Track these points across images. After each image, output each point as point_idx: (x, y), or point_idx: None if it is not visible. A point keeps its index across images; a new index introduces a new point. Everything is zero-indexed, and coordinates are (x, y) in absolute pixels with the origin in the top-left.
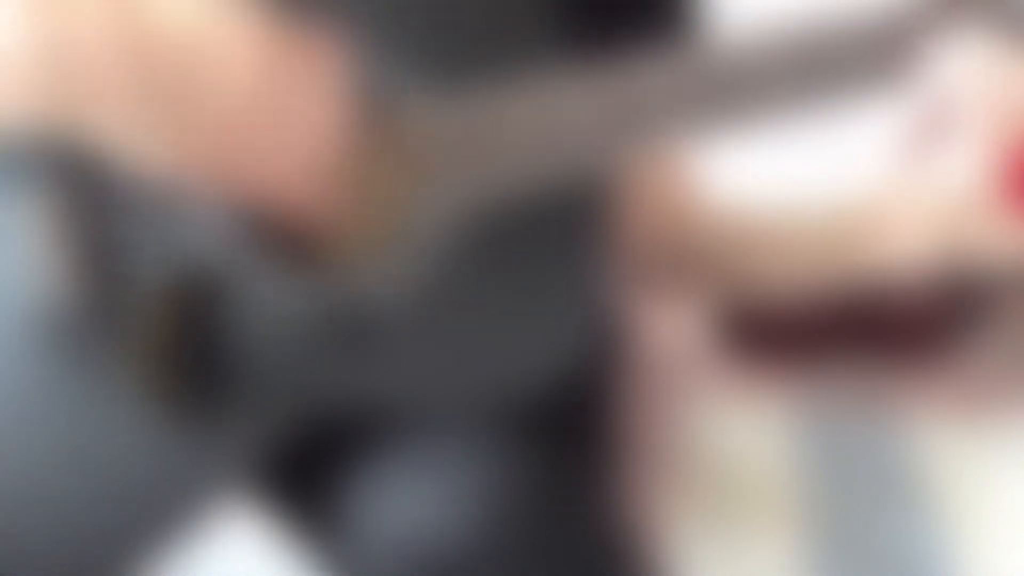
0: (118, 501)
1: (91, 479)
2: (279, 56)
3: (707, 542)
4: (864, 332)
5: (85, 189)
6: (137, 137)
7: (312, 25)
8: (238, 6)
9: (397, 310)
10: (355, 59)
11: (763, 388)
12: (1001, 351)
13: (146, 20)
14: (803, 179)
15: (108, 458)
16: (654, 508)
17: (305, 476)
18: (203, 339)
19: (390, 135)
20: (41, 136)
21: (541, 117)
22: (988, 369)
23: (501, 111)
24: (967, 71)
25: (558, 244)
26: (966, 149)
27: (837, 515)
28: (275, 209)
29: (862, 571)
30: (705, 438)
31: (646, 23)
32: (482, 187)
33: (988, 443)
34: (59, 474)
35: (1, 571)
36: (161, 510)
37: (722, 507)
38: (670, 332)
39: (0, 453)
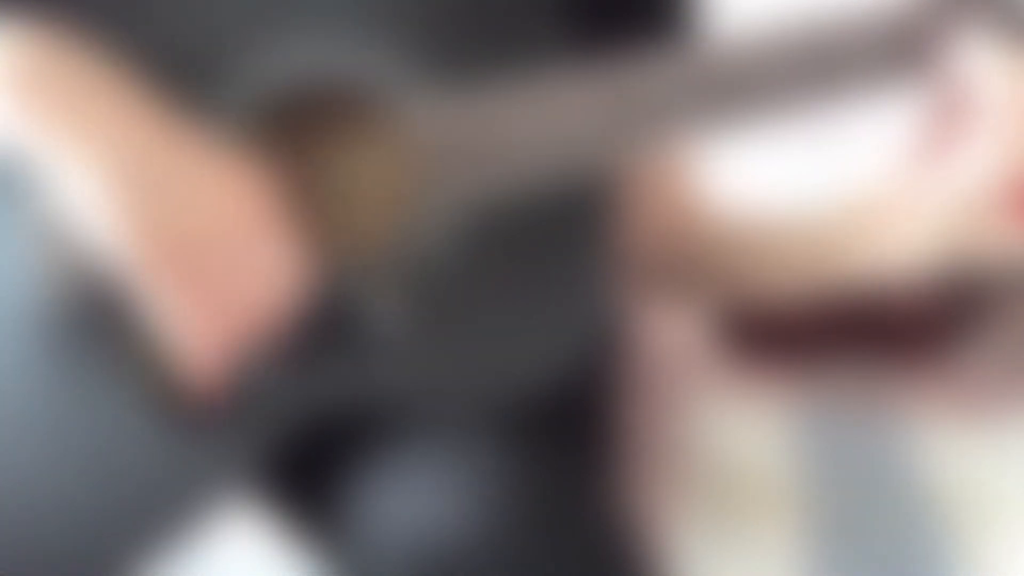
0: (120, 502)
1: (93, 480)
2: (252, 201)
3: (707, 542)
4: (864, 332)
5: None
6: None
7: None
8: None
9: (399, 311)
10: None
11: (764, 389)
12: (1002, 352)
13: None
14: (804, 179)
15: (110, 459)
16: (655, 508)
17: (307, 477)
18: None
19: (392, 135)
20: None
21: (542, 117)
22: (988, 370)
23: (503, 111)
24: (975, 71)
25: (559, 245)
26: (973, 149)
27: (837, 515)
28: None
29: (862, 571)
30: (706, 439)
31: (648, 22)
32: (484, 187)
33: (988, 443)
34: (61, 475)
35: (2, 571)
36: (163, 510)
37: (722, 508)
38: (671, 332)
39: (2, 454)
